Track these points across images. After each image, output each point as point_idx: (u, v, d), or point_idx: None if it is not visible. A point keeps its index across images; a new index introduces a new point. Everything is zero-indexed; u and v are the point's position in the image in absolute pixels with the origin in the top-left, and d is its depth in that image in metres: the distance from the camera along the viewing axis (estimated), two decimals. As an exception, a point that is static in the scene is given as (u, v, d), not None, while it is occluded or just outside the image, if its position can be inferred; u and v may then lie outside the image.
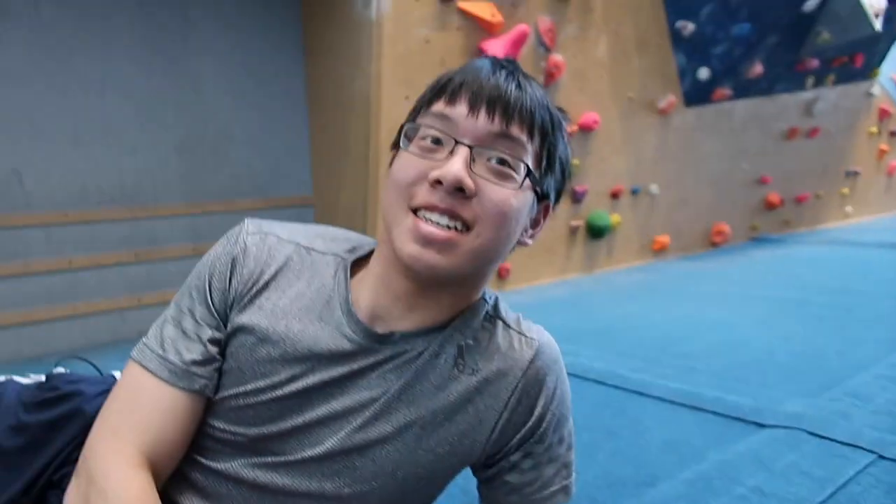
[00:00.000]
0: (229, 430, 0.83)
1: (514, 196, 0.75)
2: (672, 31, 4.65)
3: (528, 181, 0.77)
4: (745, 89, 5.05)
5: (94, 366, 1.16)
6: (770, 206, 5.66)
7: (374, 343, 0.82)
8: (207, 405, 0.84)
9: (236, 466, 0.83)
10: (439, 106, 0.77)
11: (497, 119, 0.75)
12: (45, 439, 0.93)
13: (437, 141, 0.76)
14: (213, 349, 0.83)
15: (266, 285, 0.85)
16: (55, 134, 2.88)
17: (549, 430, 0.86)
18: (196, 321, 0.83)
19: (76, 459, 0.84)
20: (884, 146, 6.86)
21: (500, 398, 0.84)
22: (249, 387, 0.82)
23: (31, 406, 0.97)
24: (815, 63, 5.27)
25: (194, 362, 0.81)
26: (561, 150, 0.82)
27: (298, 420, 0.82)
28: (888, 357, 2.39)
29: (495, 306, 0.89)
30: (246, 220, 0.89)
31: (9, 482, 0.89)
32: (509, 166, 0.75)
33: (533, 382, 0.85)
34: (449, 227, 0.74)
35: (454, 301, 0.84)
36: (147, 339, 0.84)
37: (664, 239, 4.82)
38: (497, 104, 0.75)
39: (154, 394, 0.80)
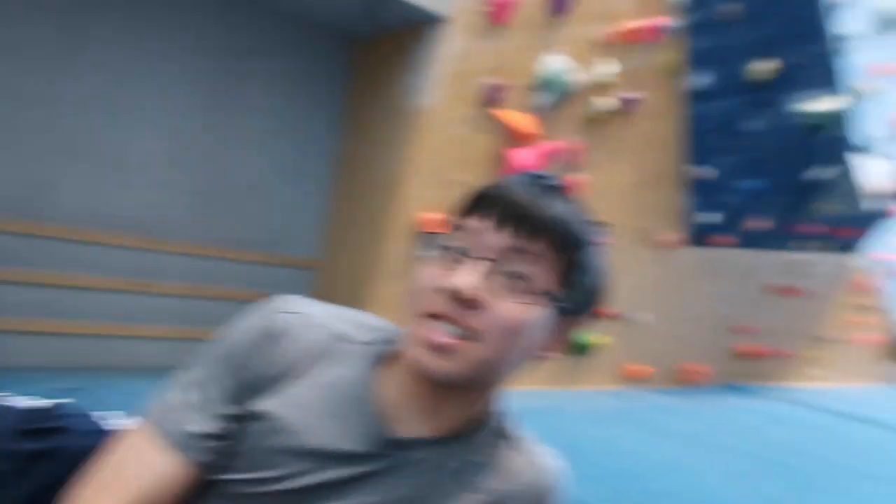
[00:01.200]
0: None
1: (526, 311, 0.75)
2: (688, 173, 4.86)
3: (544, 298, 0.76)
4: (746, 240, 5.24)
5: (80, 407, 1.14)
6: (747, 356, 5.78)
7: (385, 449, 0.81)
8: (209, 487, 0.83)
9: None
10: (468, 218, 0.79)
11: (519, 234, 0.76)
12: (27, 471, 0.91)
13: (459, 251, 0.78)
14: (220, 425, 0.81)
15: (292, 370, 0.84)
16: (91, 157, 2.94)
17: None
18: (211, 393, 0.82)
19: (53, 496, 0.84)
20: (858, 318, 7.09)
21: None
22: (256, 475, 0.81)
23: (19, 434, 0.94)
24: (814, 228, 5.50)
25: (198, 434, 0.80)
26: (589, 265, 0.79)
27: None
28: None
29: (506, 423, 0.89)
30: (279, 298, 0.87)
31: None
32: (524, 281, 0.75)
33: None
34: (457, 335, 0.75)
35: (464, 410, 0.84)
36: (158, 402, 0.82)
37: (643, 368, 4.88)
38: (521, 220, 0.77)
39: (150, 457, 0.80)
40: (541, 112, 3.84)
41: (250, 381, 0.84)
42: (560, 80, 3.79)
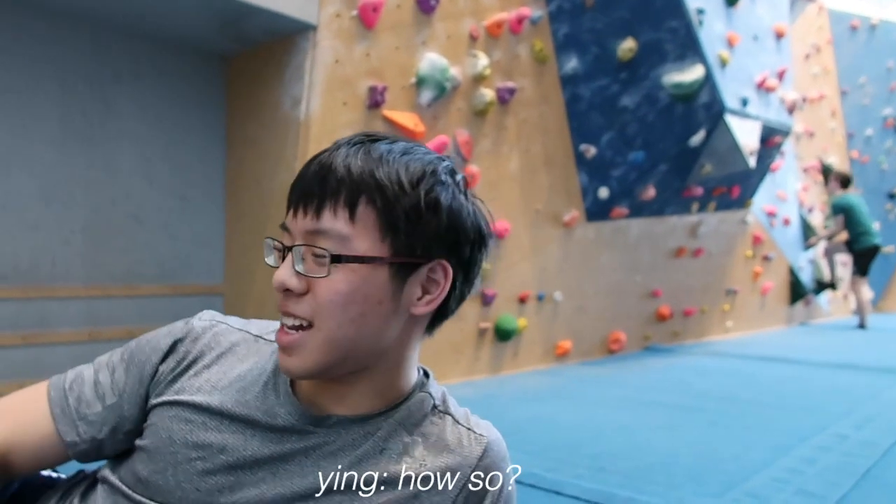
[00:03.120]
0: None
1: (340, 282, 0.75)
2: (576, 153, 5.06)
3: (354, 263, 0.75)
4: (639, 209, 5.48)
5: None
6: (661, 318, 6.01)
7: (308, 425, 0.82)
8: (122, 478, 0.84)
9: None
10: (287, 215, 0.81)
11: (310, 213, 0.76)
12: None
13: (281, 249, 0.80)
14: (107, 417, 0.85)
15: (206, 367, 0.87)
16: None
17: None
18: (111, 381, 0.86)
19: None
20: (758, 268, 7.53)
21: (448, 495, 0.83)
22: (180, 457, 0.80)
23: None
24: (699, 191, 5.82)
25: (83, 417, 0.85)
26: (411, 205, 0.76)
27: (225, 497, 0.79)
28: (779, 461, 2.55)
29: (444, 401, 0.89)
30: (205, 311, 0.94)
31: None
32: (332, 253, 0.76)
33: (482, 479, 0.85)
34: (295, 328, 0.77)
35: (377, 388, 0.83)
36: (73, 369, 0.89)
37: (566, 344, 4.99)
38: (308, 198, 0.77)
39: (36, 414, 0.85)
40: (424, 109, 3.90)
41: (159, 378, 0.86)
42: (437, 76, 3.87)
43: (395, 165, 0.78)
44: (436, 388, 0.90)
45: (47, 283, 2.97)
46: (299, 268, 0.76)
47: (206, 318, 0.92)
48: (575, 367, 4.93)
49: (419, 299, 0.80)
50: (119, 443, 0.87)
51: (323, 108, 3.42)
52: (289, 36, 3.45)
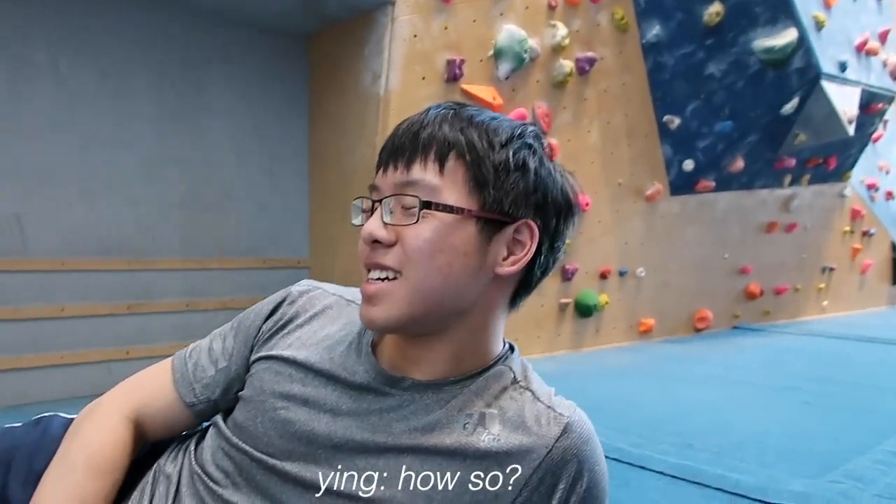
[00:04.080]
0: (240, 449, 0.85)
1: (426, 230, 0.76)
2: (660, 124, 4.89)
3: (441, 212, 0.76)
4: (727, 182, 5.26)
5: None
6: (750, 296, 5.78)
7: (385, 385, 0.83)
8: (227, 423, 0.90)
9: (248, 502, 0.83)
10: (376, 176, 0.83)
11: (401, 167, 0.78)
12: None
13: (371, 207, 0.82)
14: (220, 379, 0.93)
15: (298, 326, 0.92)
16: (60, 183, 2.90)
17: None
18: (223, 348, 0.95)
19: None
20: (857, 245, 7.10)
21: (521, 474, 0.79)
22: (267, 405, 0.85)
23: None
24: (792, 162, 5.53)
25: (199, 380, 0.93)
26: (500, 164, 0.78)
27: (302, 447, 0.82)
28: (882, 444, 2.42)
29: (525, 376, 0.87)
30: (303, 280, 1.01)
31: None
32: (421, 205, 0.77)
33: (559, 462, 0.80)
34: (380, 279, 0.78)
35: (455, 353, 0.83)
36: (193, 345, 0.97)
37: (650, 321, 4.88)
38: (397, 152, 0.79)
39: (165, 386, 0.94)
40: (502, 82, 3.86)
41: (260, 338, 0.94)
42: (515, 48, 3.82)
43: (484, 126, 0.80)
44: (518, 362, 0.88)
45: (149, 256, 3.15)
46: (388, 219, 0.78)
47: (303, 284, 0.98)
48: (658, 344, 4.82)
49: (504, 259, 0.81)
50: (230, 402, 0.93)
51: (402, 83, 3.44)
52: (368, 12, 3.49)
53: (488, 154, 0.78)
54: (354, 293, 0.96)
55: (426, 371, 0.83)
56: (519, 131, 0.81)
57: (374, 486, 0.79)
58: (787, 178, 5.79)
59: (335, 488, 0.80)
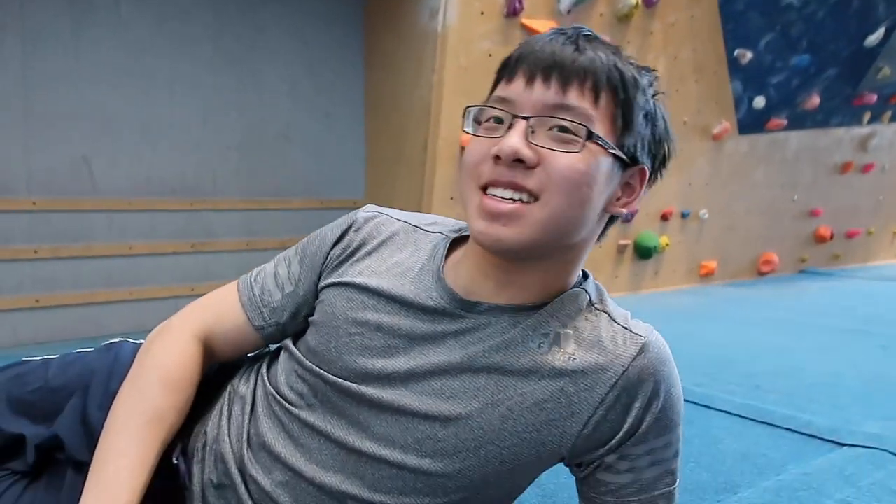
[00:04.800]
0: (315, 373, 0.86)
1: (580, 160, 0.74)
2: (730, 59, 4.62)
3: (596, 145, 0.75)
4: (800, 120, 4.99)
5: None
6: (820, 240, 5.55)
7: (459, 309, 0.82)
8: (298, 347, 0.91)
9: (324, 421, 0.84)
10: (501, 86, 0.79)
11: (553, 87, 0.74)
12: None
13: (498, 120, 0.78)
14: (287, 303, 0.93)
15: (367, 253, 0.91)
16: (124, 126, 2.96)
17: (649, 433, 0.81)
18: (288, 273, 0.94)
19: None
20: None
21: (597, 393, 0.79)
22: (341, 331, 0.86)
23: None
24: (872, 98, 5.19)
25: (267, 304, 0.94)
26: (642, 108, 0.79)
27: (378, 368, 0.83)
28: (964, 388, 2.30)
29: (601, 299, 0.86)
30: (367, 206, 0.99)
31: None
32: (571, 132, 0.74)
33: (635, 381, 0.80)
34: (514, 200, 0.74)
35: (544, 280, 0.82)
36: (256, 268, 0.98)
37: (711, 264, 4.75)
38: (552, 72, 0.75)
39: (233, 308, 0.95)
40: (563, 16, 3.70)
41: (327, 265, 0.92)
42: (578, -21, 3.65)
43: (633, 65, 0.80)
44: (593, 286, 0.87)
45: (210, 196, 3.21)
46: (535, 140, 0.74)
47: (369, 210, 0.96)
48: (720, 287, 4.69)
49: (617, 200, 0.81)
50: (298, 325, 0.95)
51: (460, 19, 3.34)
52: (424, -55, 3.37)
53: (636, 96, 0.78)
54: (419, 219, 0.95)
55: (508, 296, 0.82)
56: (653, 77, 0.82)
57: (449, 405, 0.80)
58: (867, 116, 5.45)
59: (411, 409, 0.81)
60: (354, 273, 0.89)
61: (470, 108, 0.82)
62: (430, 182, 3.41)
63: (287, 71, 3.44)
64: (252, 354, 1.03)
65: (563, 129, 0.74)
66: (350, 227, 0.94)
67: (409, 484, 0.81)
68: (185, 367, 0.89)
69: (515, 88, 0.77)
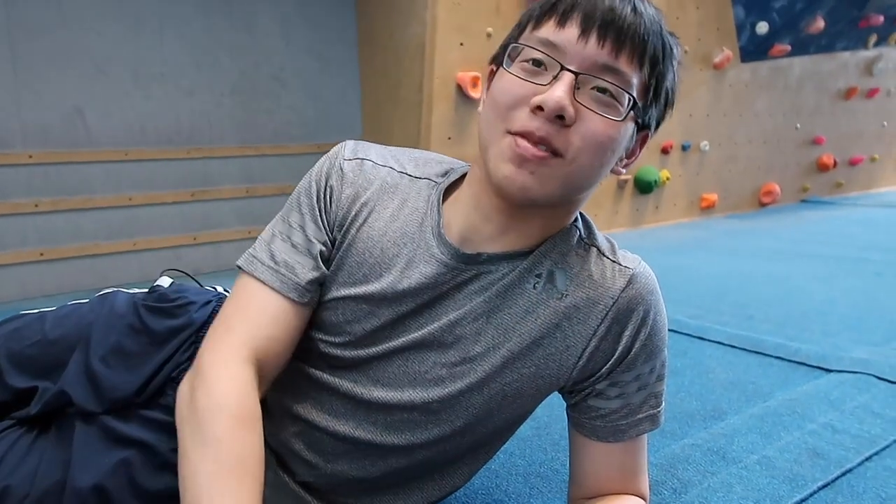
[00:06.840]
0: (323, 341, 0.88)
1: (615, 127, 0.74)
2: (731, -18, 4.50)
3: (631, 113, 0.75)
4: (804, 45, 4.88)
5: (196, 280, 1.18)
6: (822, 168, 5.51)
7: (461, 263, 0.83)
8: (315, 318, 0.88)
9: (332, 376, 0.88)
10: (549, 26, 0.74)
11: (608, 46, 0.72)
12: (164, 342, 0.96)
13: (539, 63, 0.74)
14: (321, 264, 0.86)
15: (361, 209, 0.87)
16: (115, 74, 2.92)
17: (637, 359, 0.86)
18: (306, 237, 0.86)
19: (189, 359, 0.92)
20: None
21: (590, 325, 0.84)
22: (352, 324, 0.86)
23: (149, 310, 1.00)
24: (879, 20, 5.05)
25: (307, 279, 0.84)
26: (669, 80, 0.79)
27: (391, 344, 0.85)
28: (955, 312, 2.34)
29: (590, 233, 0.88)
30: (345, 144, 0.92)
31: (130, 380, 0.92)
32: (613, 97, 0.73)
33: (624, 311, 0.84)
34: (545, 151, 0.73)
35: (545, 225, 0.84)
36: (256, 253, 0.86)
37: (712, 196, 4.74)
38: (609, 29, 0.72)
39: (265, 300, 0.83)
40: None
41: (335, 221, 0.88)
42: None
43: (675, 38, 0.79)
44: (583, 221, 0.89)
45: (206, 144, 3.20)
46: (582, 98, 0.72)
47: (348, 151, 0.90)
48: (721, 220, 4.70)
49: (621, 160, 0.82)
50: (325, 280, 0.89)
51: (451, -49, 3.24)
52: None
53: (668, 69, 0.78)
54: (400, 159, 0.91)
55: (508, 242, 0.83)
56: (672, 44, 0.80)
57: (453, 352, 0.84)
58: (873, 39, 5.32)
59: (417, 342, 0.84)
60: (358, 240, 0.86)
61: (513, 45, 0.77)
62: (427, 122, 3.39)
63: (278, 10, 3.37)
64: None
65: (605, 91, 0.73)
66: (339, 179, 0.88)
67: (419, 421, 0.86)
68: (248, 396, 0.78)
69: (568, 36, 0.72)
